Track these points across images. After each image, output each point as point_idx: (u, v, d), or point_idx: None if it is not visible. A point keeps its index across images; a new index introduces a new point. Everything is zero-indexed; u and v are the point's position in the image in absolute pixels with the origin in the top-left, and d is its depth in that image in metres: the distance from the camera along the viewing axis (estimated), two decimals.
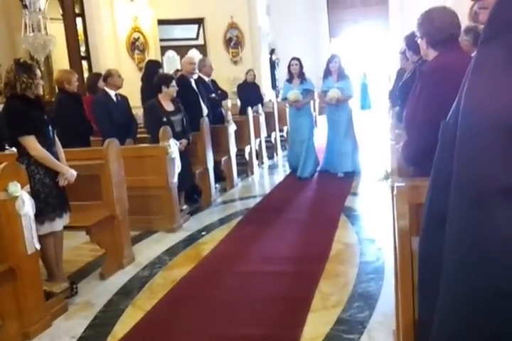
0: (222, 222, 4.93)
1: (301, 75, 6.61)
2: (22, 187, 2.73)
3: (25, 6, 6.87)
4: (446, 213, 0.95)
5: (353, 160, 6.55)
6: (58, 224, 3.18)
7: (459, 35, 2.62)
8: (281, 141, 8.91)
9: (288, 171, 7.12)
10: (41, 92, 3.13)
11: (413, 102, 2.50)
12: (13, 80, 3.00)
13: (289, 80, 6.69)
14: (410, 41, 4.26)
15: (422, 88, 2.39)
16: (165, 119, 4.76)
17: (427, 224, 1.13)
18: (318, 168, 6.81)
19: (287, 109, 7.23)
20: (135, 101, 5.83)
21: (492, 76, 0.89)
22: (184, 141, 4.86)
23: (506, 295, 0.84)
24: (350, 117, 6.61)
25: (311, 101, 7.49)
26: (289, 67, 6.68)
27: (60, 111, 4.55)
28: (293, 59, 6.68)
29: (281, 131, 8.97)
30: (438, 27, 2.34)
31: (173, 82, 4.84)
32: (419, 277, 1.17)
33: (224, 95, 6.80)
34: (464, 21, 4.39)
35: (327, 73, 6.49)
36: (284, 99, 6.72)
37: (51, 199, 3.12)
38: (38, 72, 3.08)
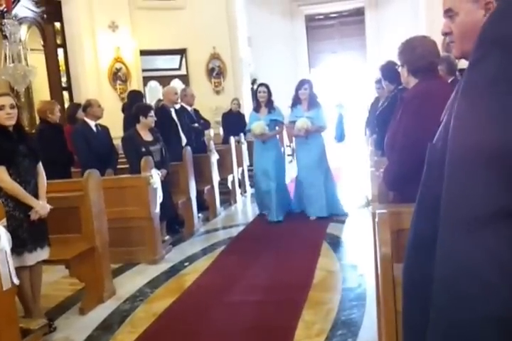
0: (205, 251, 4.87)
1: (270, 104, 5.82)
2: None
3: (5, 37, 6.88)
4: (432, 239, 0.93)
5: (333, 202, 5.75)
6: (28, 259, 3.06)
7: (438, 64, 2.70)
8: None
9: None
10: (5, 123, 2.98)
11: (394, 128, 2.55)
12: None
13: (256, 109, 5.93)
14: (385, 71, 4.39)
15: (403, 114, 2.45)
16: (144, 149, 4.75)
17: (410, 251, 1.09)
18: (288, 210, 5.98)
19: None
20: (117, 132, 5.81)
21: (477, 101, 0.87)
22: (163, 171, 4.82)
23: (505, 324, 0.81)
24: (323, 151, 5.78)
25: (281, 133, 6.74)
26: (255, 94, 5.93)
27: (41, 142, 4.50)
28: (260, 85, 5.95)
29: None
30: (419, 55, 2.41)
31: (151, 112, 4.85)
32: (403, 307, 1.14)
33: (206, 124, 6.84)
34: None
35: (296, 101, 5.70)
36: (249, 130, 5.98)
37: (20, 232, 3.01)
38: None
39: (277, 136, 6.25)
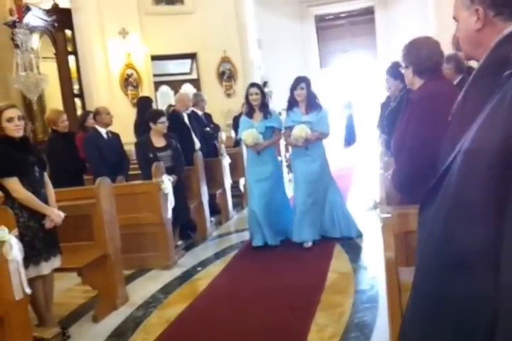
0: (217, 256, 4.87)
1: (264, 108, 4.94)
2: (9, 231, 2.69)
3: (16, 46, 6.97)
4: (473, 251, 0.88)
5: (346, 223, 4.89)
6: (44, 268, 3.10)
7: (443, 64, 2.69)
8: None
9: None
10: (14, 134, 3.02)
11: (401, 130, 2.54)
12: None
13: (249, 114, 4.99)
14: (396, 71, 4.34)
15: (411, 116, 2.44)
16: (151, 155, 4.78)
17: (442, 263, 0.99)
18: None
19: (244, 153, 5.47)
20: (129, 138, 5.85)
21: None
22: (173, 177, 4.80)
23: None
24: (326, 163, 4.93)
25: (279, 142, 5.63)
26: (247, 97, 4.97)
27: (51, 151, 4.55)
28: (251, 86, 5.00)
29: None
30: (425, 55, 2.41)
31: (162, 118, 4.85)
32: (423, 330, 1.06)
33: (216, 129, 6.85)
34: (448, 49, 4.47)
35: (292, 103, 4.82)
36: (240, 139, 5.08)
37: (36, 242, 3.05)
38: (6, 115, 2.97)
39: (274, 147, 5.26)
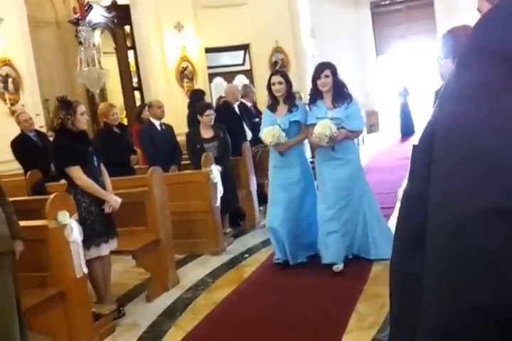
0: (265, 244, 5.00)
1: (290, 99, 4.09)
2: (70, 216, 2.97)
3: (80, 43, 7.41)
4: (421, 233, 0.98)
5: (382, 241, 3.98)
6: (104, 249, 3.39)
7: None
8: None
9: None
10: (84, 127, 3.40)
11: None
12: (53, 116, 3.37)
13: (272, 108, 4.14)
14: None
15: None
16: (198, 146, 5.01)
17: (399, 244, 1.11)
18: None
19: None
20: (184, 129, 6.09)
21: (476, 104, 0.93)
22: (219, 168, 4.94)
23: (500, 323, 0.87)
24: (358, 167, 4.07)
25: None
26: (269, 86, 4.13)
27: (99, 143, 4.79)
28: (274, 74, 4.18)
29: None
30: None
31: (208, 111, 5.05)
32: (392, 300, 1.18)
33: None
34: None
35: (315, 96, 4.00)
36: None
37: (97, 225, 3.34)
38: (80, 109, 3.33)
39: (303, 144, 4.43)
